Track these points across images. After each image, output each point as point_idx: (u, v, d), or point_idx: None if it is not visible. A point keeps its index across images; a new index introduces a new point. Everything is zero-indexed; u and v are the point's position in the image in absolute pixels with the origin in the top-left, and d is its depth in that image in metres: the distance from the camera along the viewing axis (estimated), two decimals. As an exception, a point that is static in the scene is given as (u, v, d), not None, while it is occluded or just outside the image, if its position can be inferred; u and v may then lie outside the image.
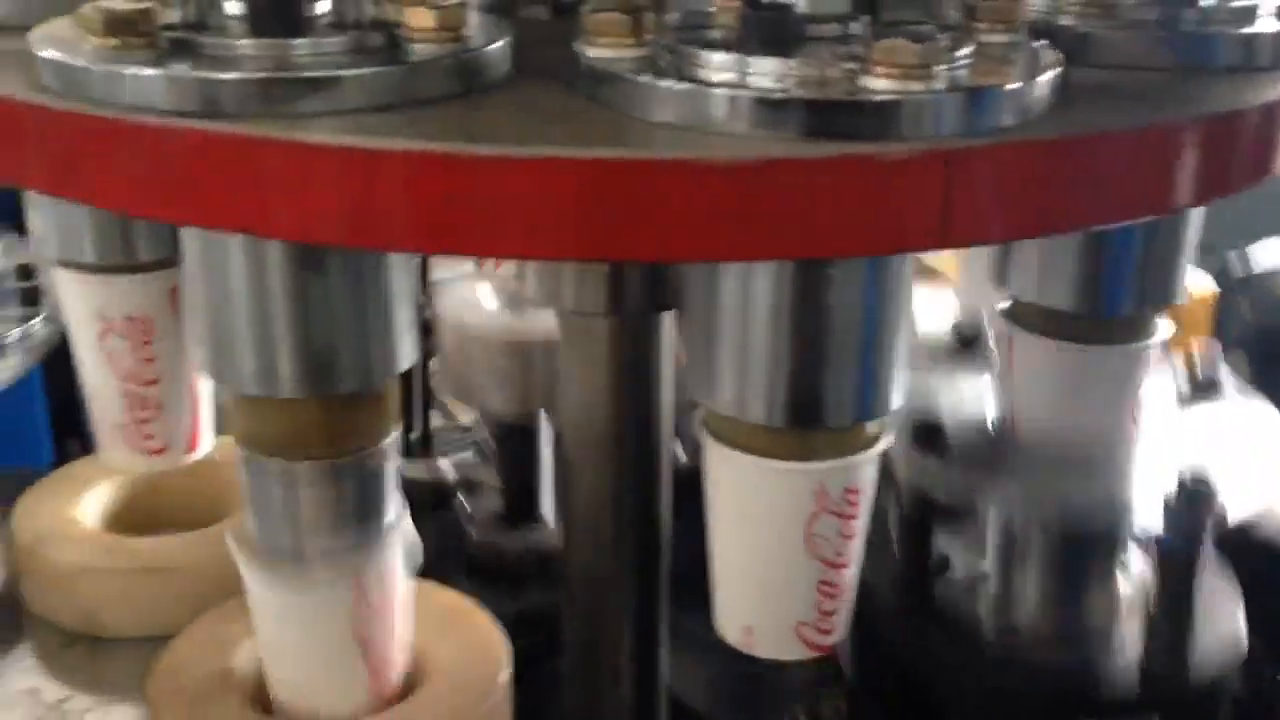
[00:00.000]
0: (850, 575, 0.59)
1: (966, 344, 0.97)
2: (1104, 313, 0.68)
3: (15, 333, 1.00)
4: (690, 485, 0.63)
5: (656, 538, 0.78)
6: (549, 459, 1.07)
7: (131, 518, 0.88)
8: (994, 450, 0.75)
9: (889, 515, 0.79)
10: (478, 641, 0.73)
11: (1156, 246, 0.67)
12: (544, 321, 0.91)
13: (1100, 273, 0.67)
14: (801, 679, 0.84)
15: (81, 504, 0.87)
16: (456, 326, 1.01)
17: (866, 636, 0.68)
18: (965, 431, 0.79)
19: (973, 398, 0.81)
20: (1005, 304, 0.72)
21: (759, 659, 0.61)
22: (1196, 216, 0.68)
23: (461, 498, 1.12)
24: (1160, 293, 0.68)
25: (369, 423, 0.61)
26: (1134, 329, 0.70)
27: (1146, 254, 0.67)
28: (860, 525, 0.58)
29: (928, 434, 0.78)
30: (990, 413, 0.76)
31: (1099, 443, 0.71)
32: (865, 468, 0.57)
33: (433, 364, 1.11)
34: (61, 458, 1.18)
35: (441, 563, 1.04)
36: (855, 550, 0.59)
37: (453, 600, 0.76)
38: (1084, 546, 0.75)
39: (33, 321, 1.01)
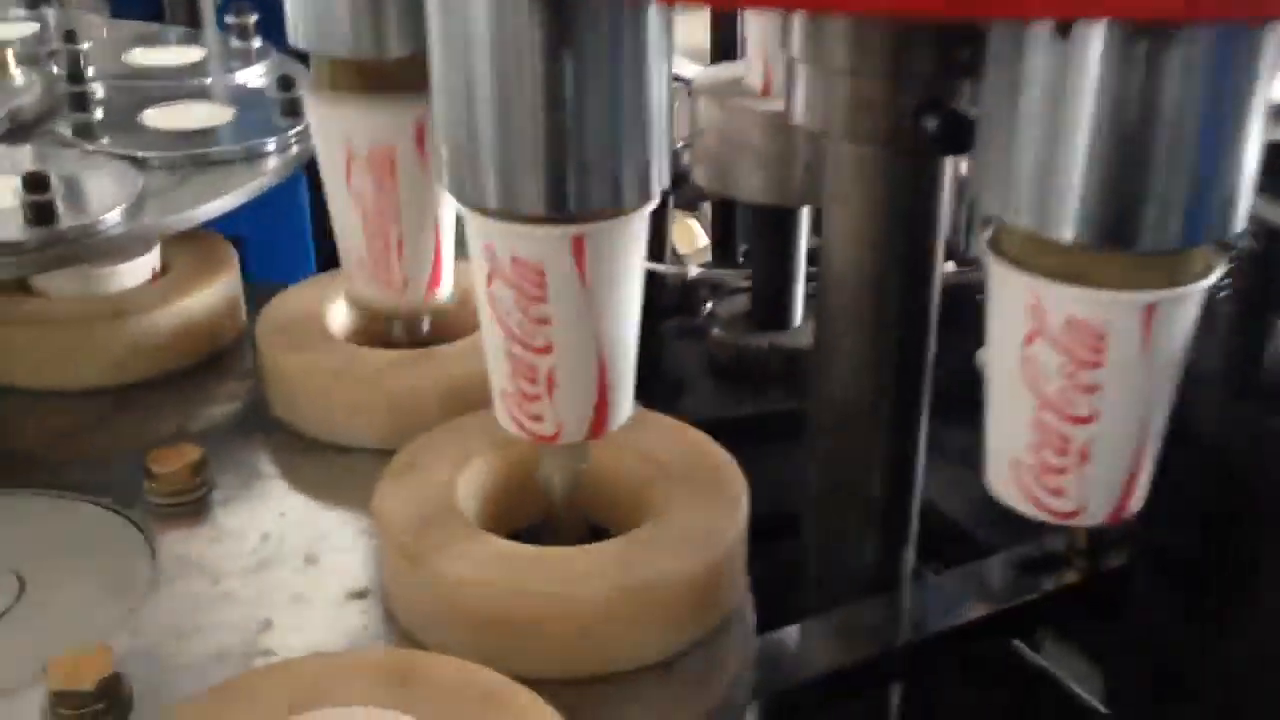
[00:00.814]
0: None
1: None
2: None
3: (272, 142, 0.97)
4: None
5: (918, 361, 0.78)
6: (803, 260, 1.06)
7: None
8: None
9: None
10: (718, 481, 0.70)
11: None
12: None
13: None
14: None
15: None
16: (715, 104, 0.96)
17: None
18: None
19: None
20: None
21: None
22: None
23: (706, 298, 1.13)
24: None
25: None
26: None
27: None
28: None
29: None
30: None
31: None
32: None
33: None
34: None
35: (683, 363, 1.06)
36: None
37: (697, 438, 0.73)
38: None
39: (290, 132, 0.98)
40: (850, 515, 0.83)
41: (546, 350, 0.59)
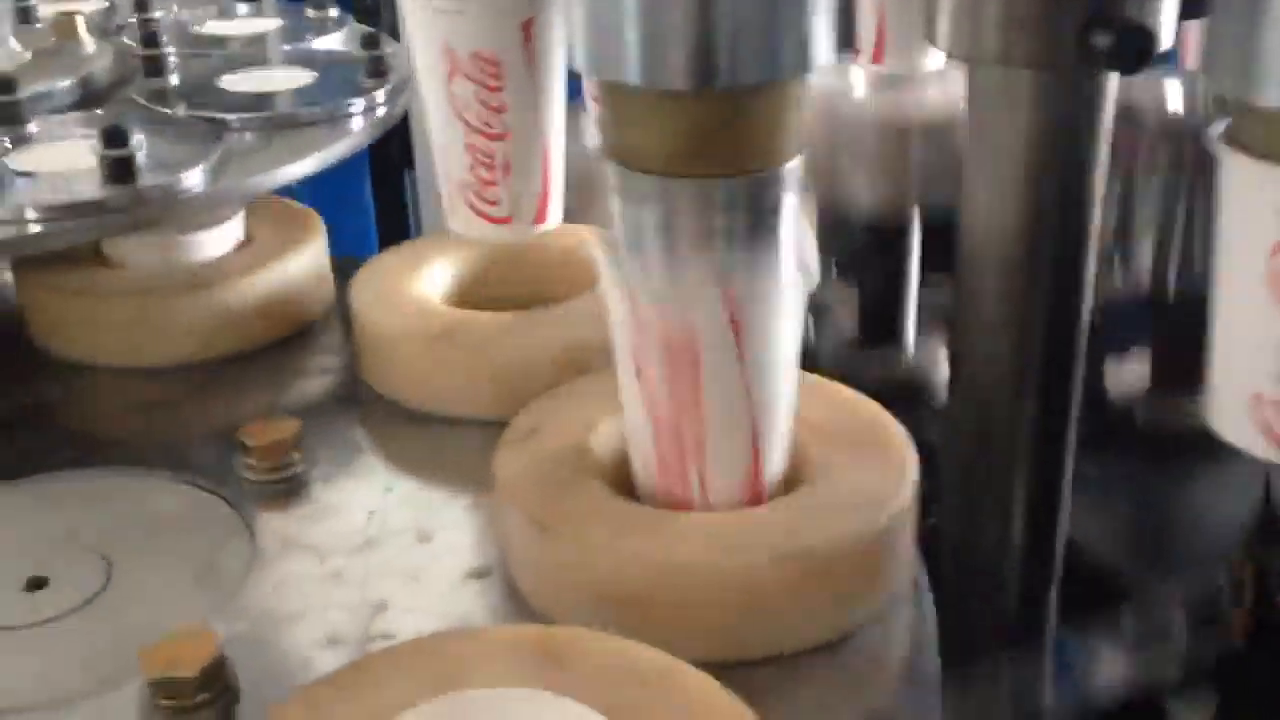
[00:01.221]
0: None
1: None
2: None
3: (359, 102, 0.90)
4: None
5: (1068, 371, 0.66)
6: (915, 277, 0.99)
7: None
8: None
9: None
10: (878, 440, 0.62)
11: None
12: (922, 105, 0.82)
13: None
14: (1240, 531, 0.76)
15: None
16: (823, 110, 0.91)
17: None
18: None
19: None
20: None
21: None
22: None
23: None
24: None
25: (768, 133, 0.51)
26: None
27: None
28: None
29: None
30: None
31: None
32: None
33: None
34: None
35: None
36: None
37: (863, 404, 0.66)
38: None
39: (376, 93, 0.92)
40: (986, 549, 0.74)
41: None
